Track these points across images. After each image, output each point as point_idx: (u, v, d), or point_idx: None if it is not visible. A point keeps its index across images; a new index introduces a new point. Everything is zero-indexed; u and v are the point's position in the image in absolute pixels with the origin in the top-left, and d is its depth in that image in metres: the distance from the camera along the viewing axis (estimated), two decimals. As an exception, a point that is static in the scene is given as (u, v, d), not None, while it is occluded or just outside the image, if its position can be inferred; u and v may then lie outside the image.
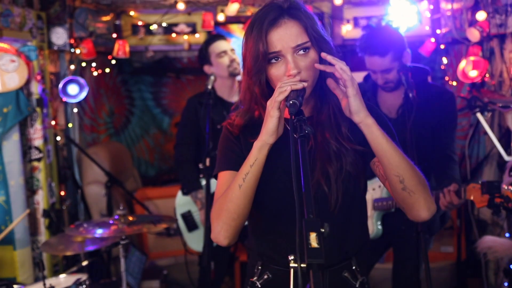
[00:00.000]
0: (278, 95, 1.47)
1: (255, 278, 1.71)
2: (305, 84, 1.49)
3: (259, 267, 1.71)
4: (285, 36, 1.54)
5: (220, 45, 3.61)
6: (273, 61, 1.57)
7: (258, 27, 1.56)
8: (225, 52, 3.58)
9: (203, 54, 3.66)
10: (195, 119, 3.54)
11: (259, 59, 1.55)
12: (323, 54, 1.53)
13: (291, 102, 1.42)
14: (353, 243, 1.71)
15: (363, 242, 1.77)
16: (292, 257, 1.14)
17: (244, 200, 1.55)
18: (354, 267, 1.70)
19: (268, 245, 1.71)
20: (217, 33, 3.85)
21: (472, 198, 2.58)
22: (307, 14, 1.59)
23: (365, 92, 2.97)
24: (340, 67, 1.49)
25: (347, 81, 1.49)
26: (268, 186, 1.63)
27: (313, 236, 1.02)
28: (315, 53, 1.57)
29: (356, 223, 1.71)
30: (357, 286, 1.70)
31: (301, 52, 1.56)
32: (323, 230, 1.06)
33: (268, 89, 1.62)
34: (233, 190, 1.55)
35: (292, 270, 1.11)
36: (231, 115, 1.75)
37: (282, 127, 1.53)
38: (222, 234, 1.58)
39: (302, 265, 1.01)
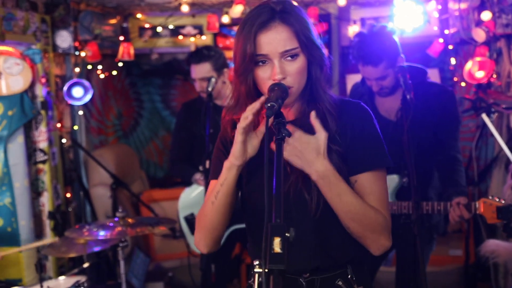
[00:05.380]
0: (241, 122, 1.48)
1: (251, 280, 1.70)
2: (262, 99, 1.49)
3: (255, 270, 1.70)
4: (274, 41, 1.52)
5: (192, 70, 3.40)
6: (260, 63, 1.55)
7: (249, 28, 1.54)
8: (194, 80, 3.41)
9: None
10: (187, 127, 3.48)
11: (246, 60, 1.54)
12: (312, 117, 1.52)
13: (269, 104, 1.40)
14: (342, 250, 1.64)
15: (358, 250, 1.67)
16: (258, 262, 1.13)
17: (217, 215, 1.58)
18: (349, 276, 1.65)
19: (255, 249, 1.71)
20: (197, 52, 3.45)
21: (482, 213, 2.58)
22: (299, 18, 1.56)
23: (361, 95, 2.92)
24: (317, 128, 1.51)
25: None
26: (256, 191, 1.63)
27: (277, 241, 1.00)
28: (304, 59, 1.56)
29: (344, 229, 1.62)
30: None
31: (289, 58, 1.54)
32: (288, 235, 1.04)
33: (255, 90, 1.60)
34: (207, 205, 1.59)
35: (256, 276, 1.08)
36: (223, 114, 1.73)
37: (253, 148, 1.53)
38: (201, 244, 1.65)
39: (266, 270, 0.99)
